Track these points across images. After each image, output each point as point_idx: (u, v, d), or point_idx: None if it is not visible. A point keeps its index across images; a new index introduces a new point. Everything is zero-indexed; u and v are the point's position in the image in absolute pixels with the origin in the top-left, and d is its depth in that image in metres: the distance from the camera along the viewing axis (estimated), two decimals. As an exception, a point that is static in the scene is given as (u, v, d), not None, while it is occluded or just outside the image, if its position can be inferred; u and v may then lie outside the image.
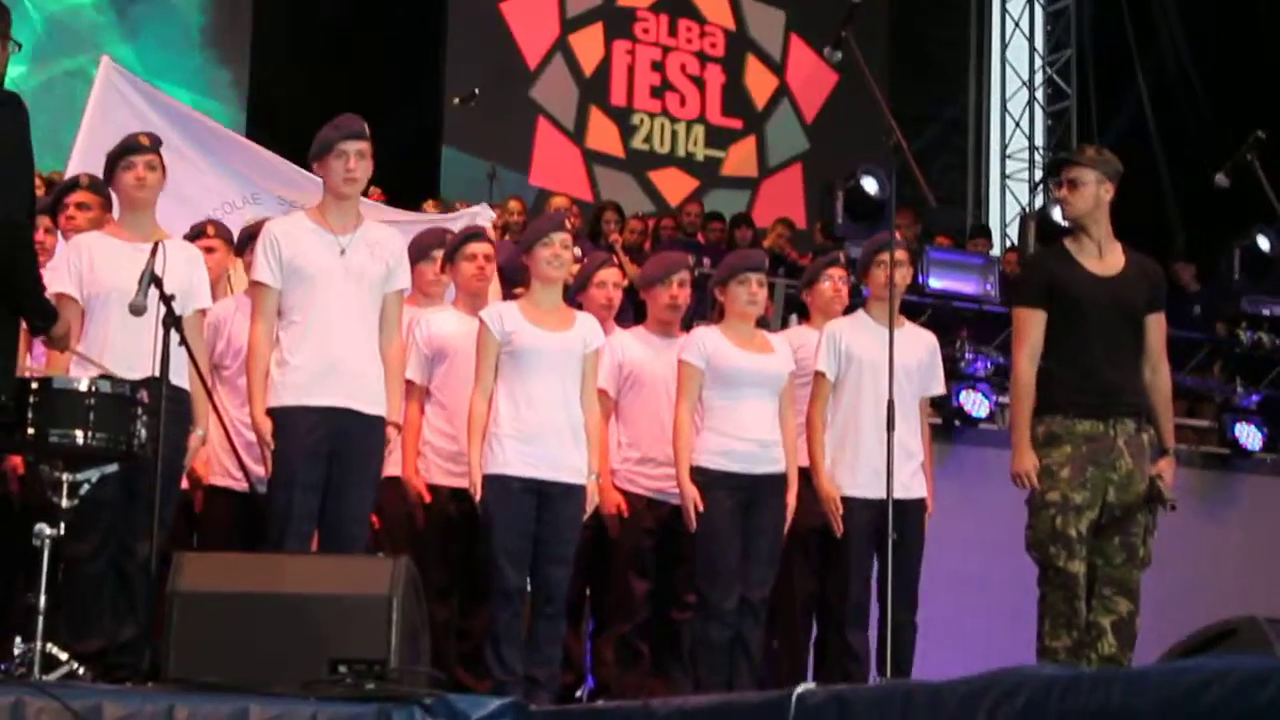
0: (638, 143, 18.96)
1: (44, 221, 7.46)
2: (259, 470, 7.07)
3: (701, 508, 7.56)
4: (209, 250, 7.77)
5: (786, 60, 19.43)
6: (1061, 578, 6.98)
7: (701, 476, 7.63)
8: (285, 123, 13.63)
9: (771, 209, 17.90)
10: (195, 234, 7.94)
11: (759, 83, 19.43)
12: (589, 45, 18.87)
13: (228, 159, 9.66)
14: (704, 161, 19.09)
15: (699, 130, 19.13)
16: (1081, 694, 4.08)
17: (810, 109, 19.38)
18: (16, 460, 7.02)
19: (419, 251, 7.97)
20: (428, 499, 7.56)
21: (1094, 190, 7.18)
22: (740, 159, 19.24)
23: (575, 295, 8.16)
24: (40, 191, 7.47)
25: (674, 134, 19.07)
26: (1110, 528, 7.06)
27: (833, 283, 8.45)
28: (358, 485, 6.93)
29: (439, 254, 8.06)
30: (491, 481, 7.21)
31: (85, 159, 8.85)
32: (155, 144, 7.17)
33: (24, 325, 6.18)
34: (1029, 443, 7.08)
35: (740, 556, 7.60)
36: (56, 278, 6.83)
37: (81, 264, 6.93)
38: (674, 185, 18.67)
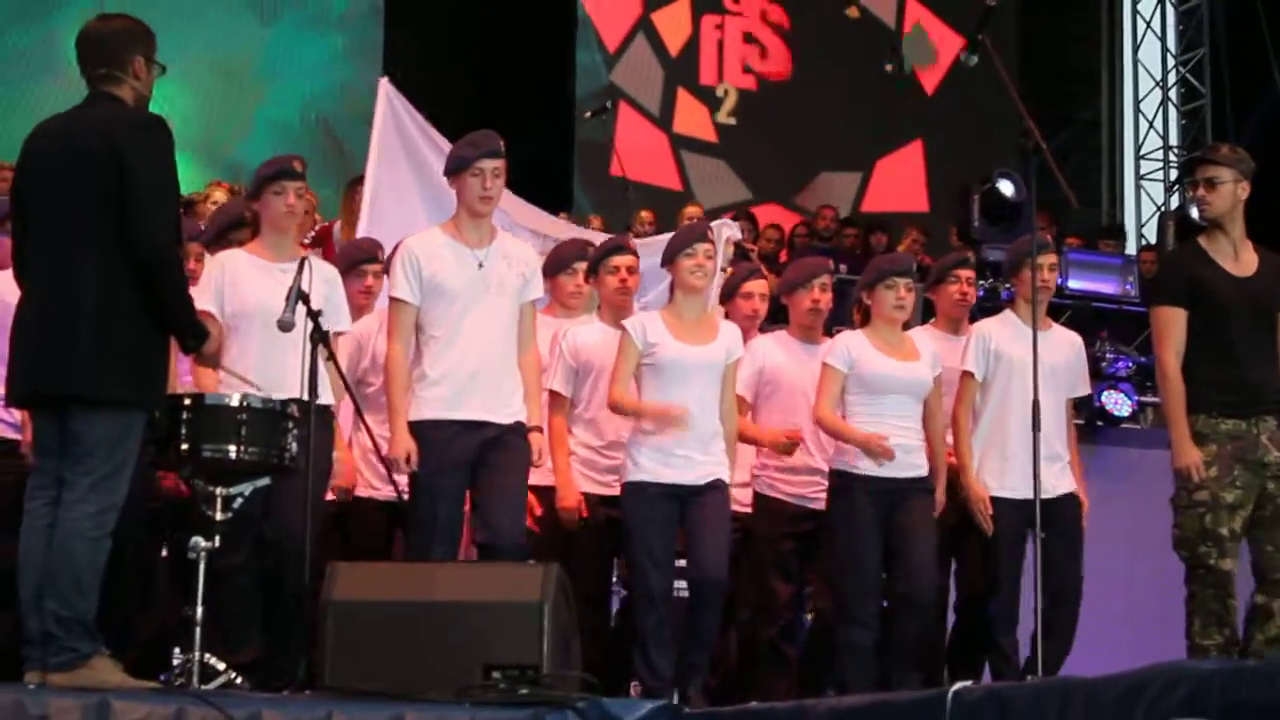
0: (723, 116, 18.29)
1: (194, 249, 7.56)
2: (402, 481, 7.13)
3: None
4: None
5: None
6: (1213, 576, 6.95)
7: (842, 480, 7.62)
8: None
9: (887, 195, 17.61)
10: None
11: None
12: (674, 22, 18.29)
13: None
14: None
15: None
16: (1244, 686, 4.06)
17: (930, 81, 18.94)
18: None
19: (559, 263, 8.02)
20: (583, 513, 7.56)
21: (1231, 189, 7.17)
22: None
23: (722, 304, 8.18)
24: None
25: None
26: (1274, 519, 7.05)
27: (960, 284, 8.39)
28: (504, 494, 6.95)
29: (579, 266, 8.09)
30: (631, 489, 7.28)
31: (378, 185, 9.15)
32: (304, 170, 7.26)
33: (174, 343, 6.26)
34: (1189, 438, 7.03)
35: (884, 560, 7.57)
36: (198, 295, 6.89)
37: (224, 281, 7.02)
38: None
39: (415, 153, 9.30)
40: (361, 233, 8.85)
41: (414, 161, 9.31)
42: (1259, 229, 7.32)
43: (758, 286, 8.33)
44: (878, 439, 7.49)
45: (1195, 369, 7.08)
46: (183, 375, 7.16)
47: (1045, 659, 7.01)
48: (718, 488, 7.34)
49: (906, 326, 8.07)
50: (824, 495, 7.77)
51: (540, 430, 7.20)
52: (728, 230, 9.30)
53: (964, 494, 7.82)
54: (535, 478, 7.29)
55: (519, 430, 7.03)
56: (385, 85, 9.50)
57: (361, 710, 5.62)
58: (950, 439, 7.94)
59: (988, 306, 9.59)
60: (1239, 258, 7.21)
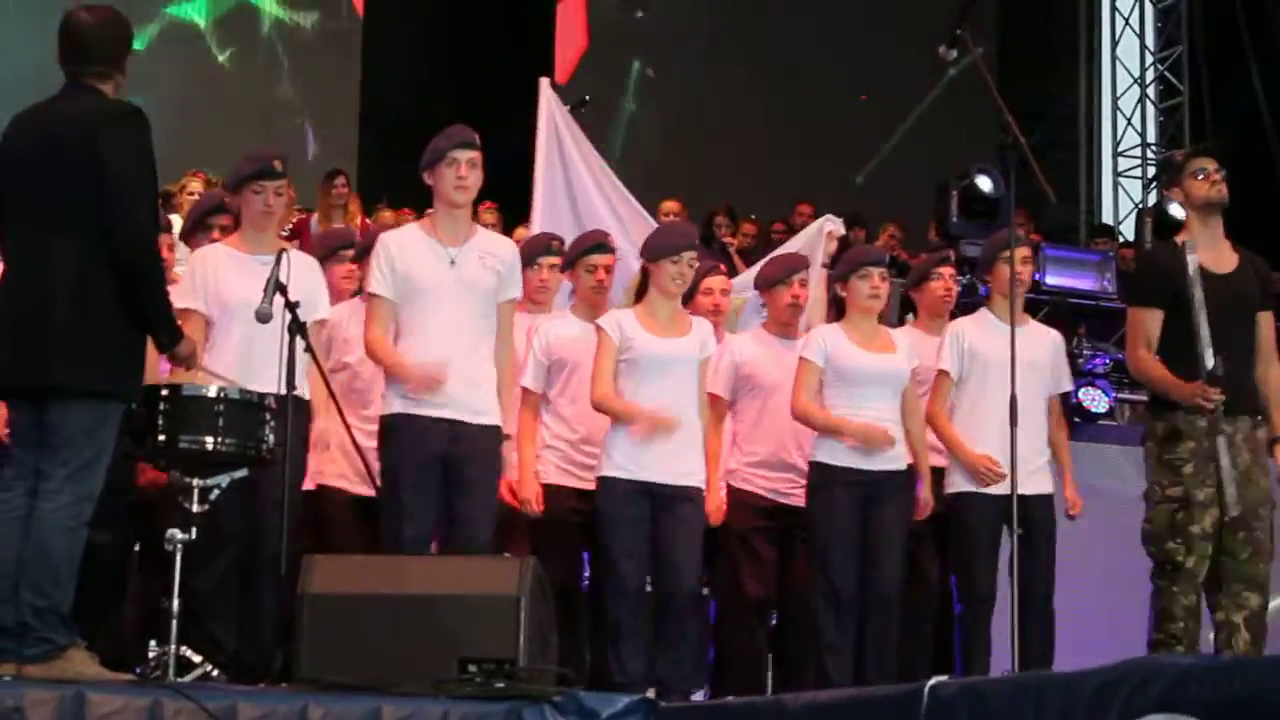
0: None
1: (165, 240, 7.55)
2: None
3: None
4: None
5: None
6: (1179, 573, 6.98)
7: (820, 473, 7.63)
8: (396, 135, 13.77)
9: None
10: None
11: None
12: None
13: (618, 207, 9.75)
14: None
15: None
16: (1219, 682, 4.06)
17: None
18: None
19: (525, 258, 7.94)
20: (538, 508, 7.52)
21: (1219, 182, 7.20)
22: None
23: (684, 303, 8.18)
24: None
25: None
26: (1234, 524, 7.02)
27: (943, 281, 8.41)
28: (476, 494, 6.96)
29: (544, 260, 8.09)
30: (605, 484, 7.30)
31: (550, 189, 9.37)
32: (284, 169, 7.25)
33: None
34: (1184, 382, 6.99)
35: (861, 551, 7.58)
36: (181, 292, 6.90)
37: (207, 277, 7.02)
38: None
39: (581, 148, 9.50)
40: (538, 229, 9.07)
41: (582, 157, 9.52)
42: (1234, 227, 7.34)
43: (718, 283, 8.37)
44: (870, 428, 7.50)
45: (1173, 367, 7.09)
46: (164, 365, 7.15)
47: (1027, 660, 7.03)
48: (692, 498, 7.35)
49: (883, 320, 8.08)
50: (797, 490, 7.79)
51: (510, 438, 7.21)
52: (830, 225, 9.33)
53: (970, 468, 7.80)
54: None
55: (492, 436, 7.03)
56: (546, 86, 9.64)
57: (337, 703, 5.64)
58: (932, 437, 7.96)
59: (965, 303, 9.59)
60: (1219, 255, 7.23)
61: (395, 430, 6.97)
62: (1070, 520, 8.15)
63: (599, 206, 9.52)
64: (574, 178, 9.53)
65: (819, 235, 9.22)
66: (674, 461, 7.29)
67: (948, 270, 8.49)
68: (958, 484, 7.87)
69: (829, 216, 9.59)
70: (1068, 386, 8.31)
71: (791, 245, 9.51)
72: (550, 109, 9.60)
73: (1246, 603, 7.02)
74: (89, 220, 5.89)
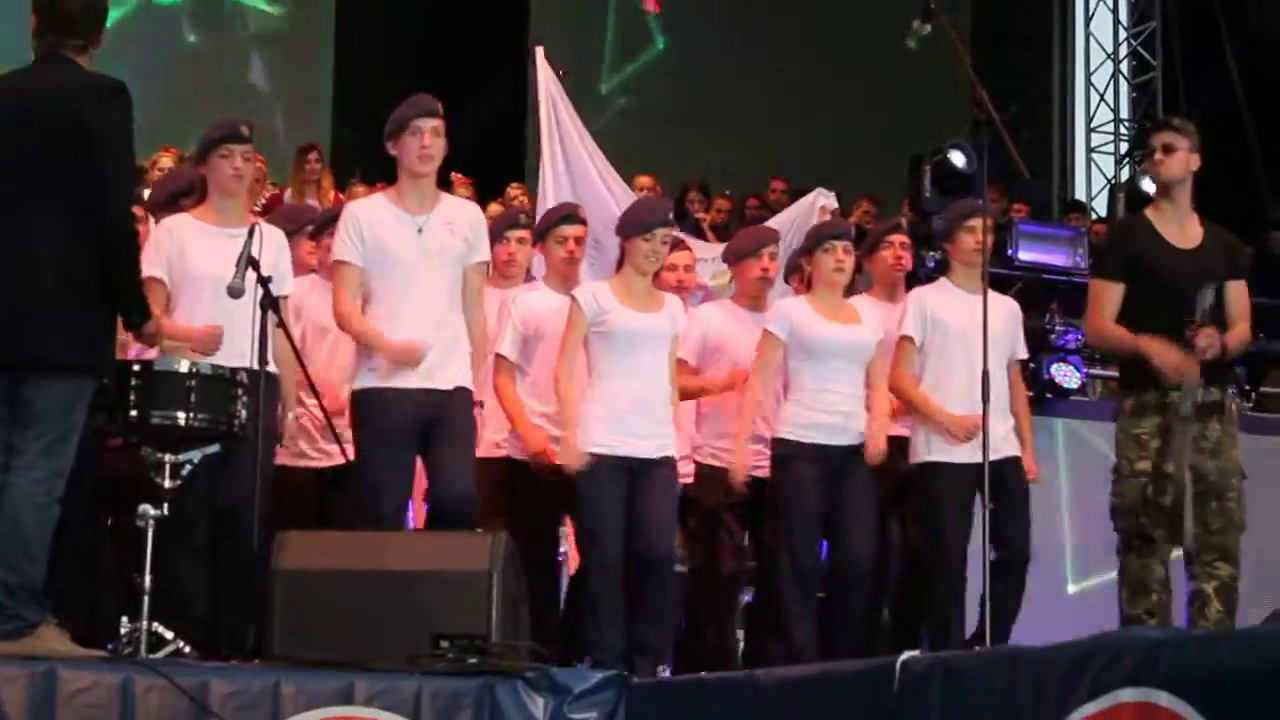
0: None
1: (138, 211, 7.53)
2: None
3: (746, 475, 7.63)
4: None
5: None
6: (1147, 546, 7.02)
7: (784, 448, 7.67)
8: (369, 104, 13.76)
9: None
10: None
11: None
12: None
13: (609, 180, 9.78)
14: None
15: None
16: (1190, 656, 4.10)
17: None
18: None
19: (492, 233, 7.90)
20: (550, 457, 7.48)
21: (1185, 158, 7.22)
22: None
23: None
24: None
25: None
26: (1206, 495, 7.05)
27: (894, 249, 8.41)
28: (455, 460, 6.97)
29: (512, 234, 8.12)
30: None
31: (554, 160, 9.39)
32: (250, 134, 7.22)
33: None
34: (1157, 343, 7.00)
35: (830, 523, 7.63)
36: (146, 261, 6.79)
37: (172, 249, 6.97)
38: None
39: (575, 120, 9.54)
40: (547, 204, 9.09)
41: (576, 128, 9.56)
42: (1205, 203, 7.36)
43: (682, 258, 8.37)
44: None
45: (1140, 341, 7.14)
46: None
47: (992, 625, 7.05)
48: (665, 464, 7.37)
49: (848, 293, 8.10)
50: (765, 464, 7.79)
51: (481, 404, 7.22)
52: (824, 199, 9.33)
53: (942, 429, 7.76)
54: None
55: (463, 397, 7.05)
56: (540, 55, 9.66)
57: (310, 679, 5.70)
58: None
59: (938, 277, 9.61)
60: (1184, 230, 7.26)
61: (368, 405, 6.98)
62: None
63: (594, 180, 9.53)
64: (569, 148, 9.52)
65: (812, 209, 9.23)
66: (648, 435, 7.31)
67: (898, 238, 8.48)
68: (924, 453, 7.84)
69: (821, 190, 9.60)
70: (1023, 354, 8.30)
71: (784, 218, 9.52)
72: (545, 78, 9.57)
73: (1218, 573, 7.05)
74: (70, 194, 5.89)
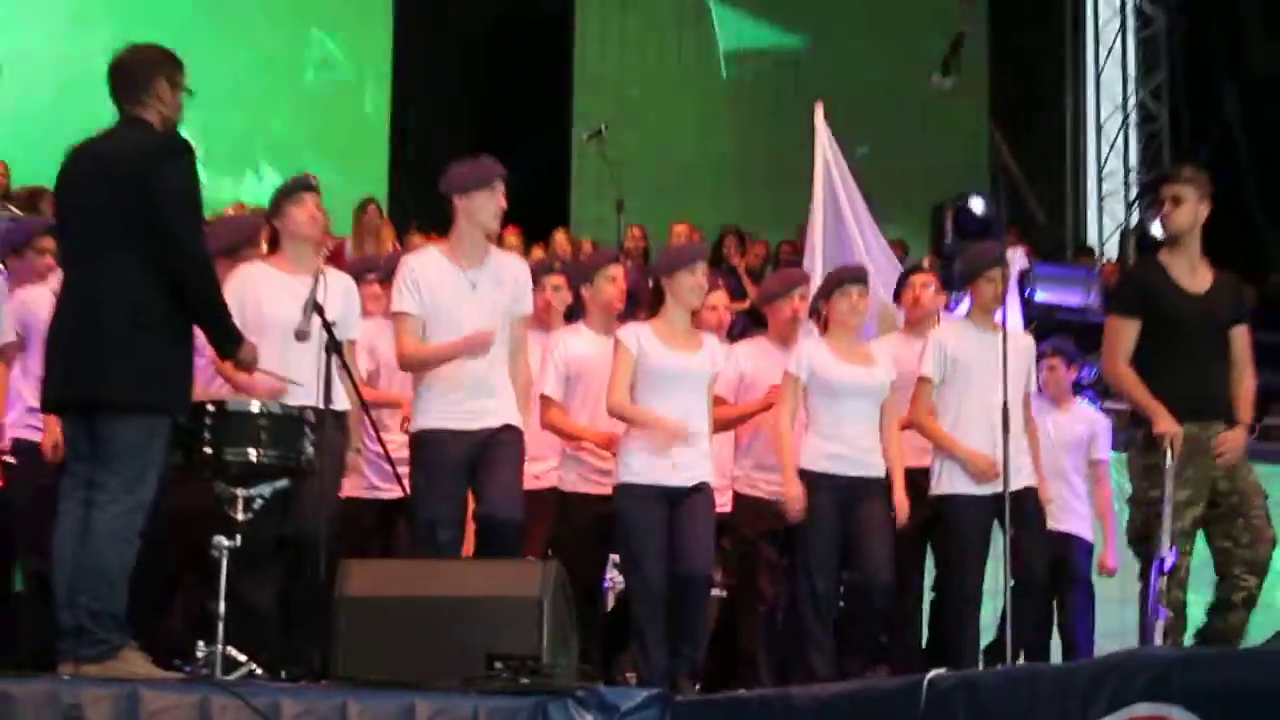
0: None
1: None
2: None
3: (801, 505, 7.86)
4: None
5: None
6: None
7: (804, 478, 7.92)
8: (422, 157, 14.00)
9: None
10: None
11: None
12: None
13: (869, 237, 9.87)
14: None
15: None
16: (1203, 672, 4.21)
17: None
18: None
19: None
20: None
21: (1193, 208, 7.45)
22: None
23: None
24: None
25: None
26: (1230, 514, 7.30)
27: (913, 290, 8.82)
28: (502, 482, 7.25)
29: (547, 280, 8.45)
30: (623, 490, 7.61)
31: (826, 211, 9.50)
32: (318, 186, 7.52)
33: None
34: (1164, 409, 7.23)
35: (850, 550, 7.89)
36: None
37: (245, 295, 7.21)
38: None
39: (844, 176, 9.65)
40: (815, 257, 9.33)
41: (845, 187, 9.66)
42: (1209, 245, 7.58)
43: (719, 299, 8.74)
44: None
45: (1152, 378, 7.35)
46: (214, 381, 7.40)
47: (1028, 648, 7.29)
48: (702, 490, 7.63)
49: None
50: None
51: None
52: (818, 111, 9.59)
53: (970, 465, 8.05)
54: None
55: (512, 431, 7.33)
56: (820, 111, 9.77)
57: (374, 699, 5.86)
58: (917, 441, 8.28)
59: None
60: (1195, 274, 7.48)
61: (425, 445, 7.30)
62: None
63: (855, 237, 9.64)
64: (841, 206, 9.64)
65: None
66: (686, 466, 7.59)
67: (919, 279, 8.90)
68: (946, 486, 8.13)
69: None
70: (1034, 388, 8.58)
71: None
72: (821, 132, 9.71)
73: (1245, 584, 7.28)
74: (138, 245, 6.20)
